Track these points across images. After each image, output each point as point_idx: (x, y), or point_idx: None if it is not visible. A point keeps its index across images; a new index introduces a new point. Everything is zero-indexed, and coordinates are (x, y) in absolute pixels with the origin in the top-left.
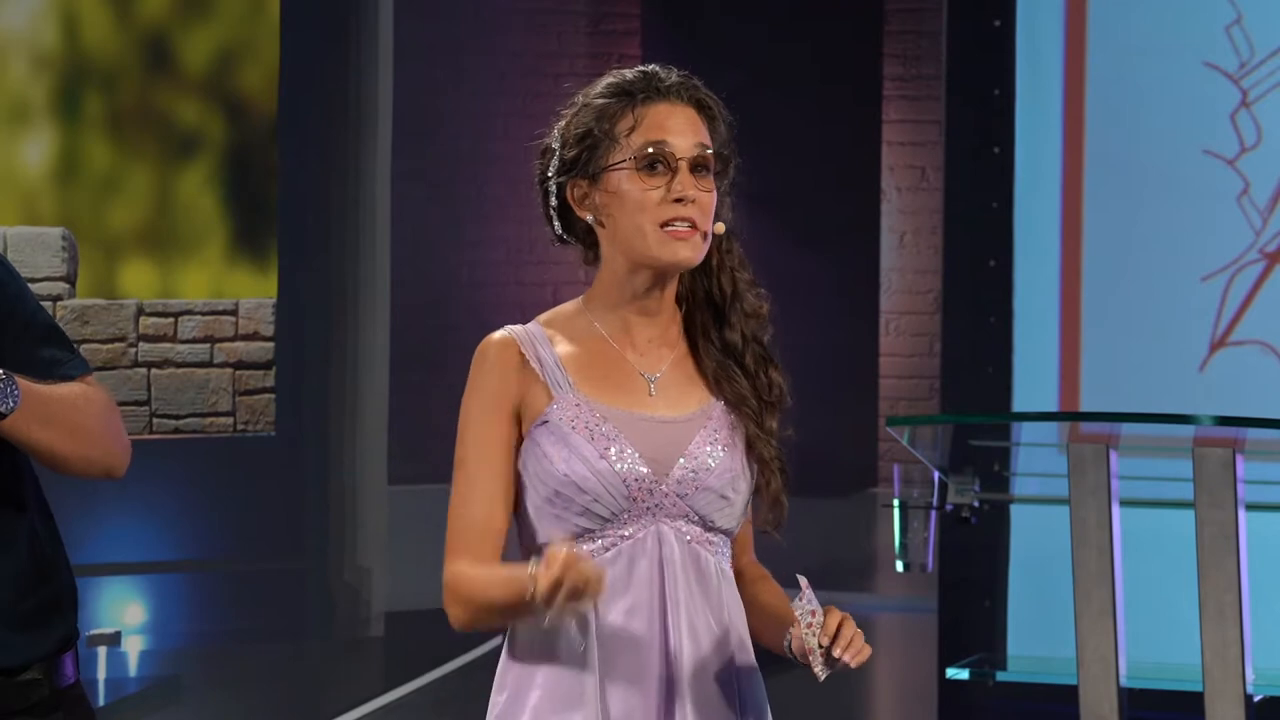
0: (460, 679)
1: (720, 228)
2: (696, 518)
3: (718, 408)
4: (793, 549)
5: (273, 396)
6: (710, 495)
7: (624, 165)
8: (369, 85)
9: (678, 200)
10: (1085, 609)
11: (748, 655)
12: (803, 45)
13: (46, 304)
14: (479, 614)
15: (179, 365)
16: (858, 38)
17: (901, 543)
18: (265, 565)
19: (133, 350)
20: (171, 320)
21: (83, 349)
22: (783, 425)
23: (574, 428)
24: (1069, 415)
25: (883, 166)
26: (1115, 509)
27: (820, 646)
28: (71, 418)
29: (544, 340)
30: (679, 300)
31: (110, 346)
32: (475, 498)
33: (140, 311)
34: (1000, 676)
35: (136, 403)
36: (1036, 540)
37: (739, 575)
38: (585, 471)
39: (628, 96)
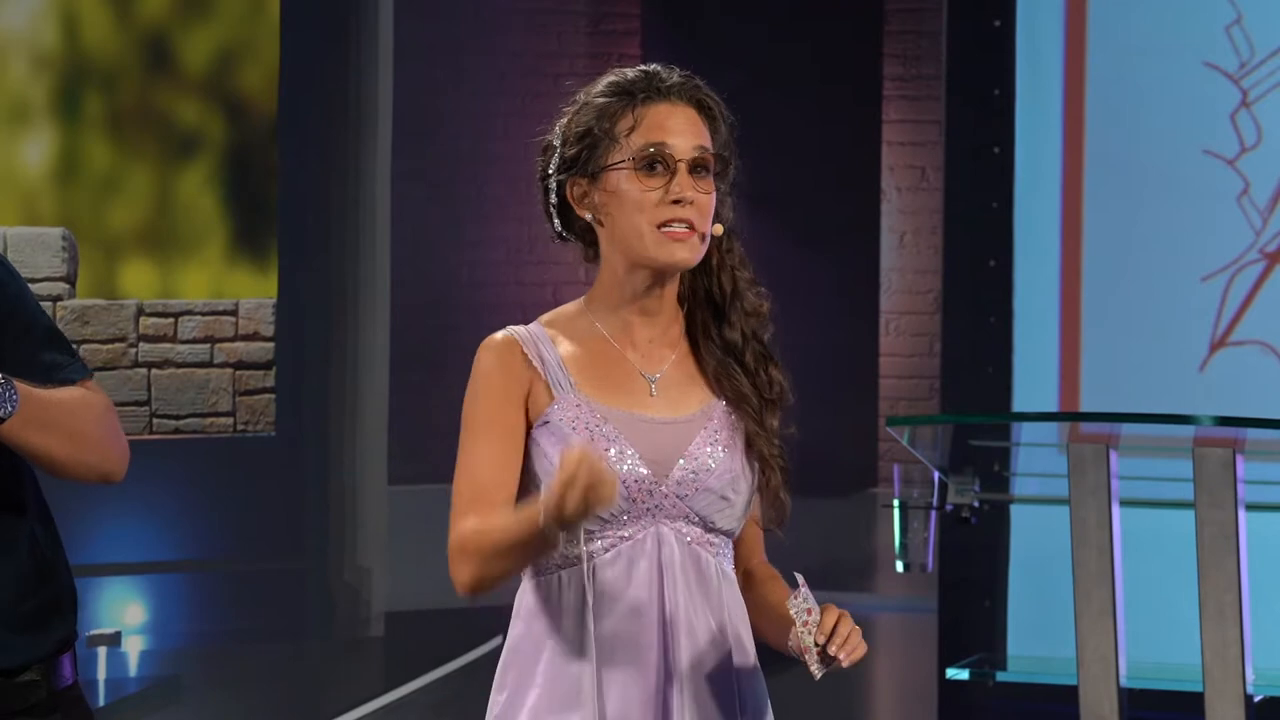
0: (460, 679)
1: (718, 229)
2: (697, 519)
3: (719, 408)
4: (793, 549)
5: (273, 396)
6: (710, 496)
7: (623, 165)
8: (369, 85)
9: (676, 201)
10: (1085, 609)
11: (748, 656)
12: (803, 45)
13: (46, 304)
14: (489, 564)
15: (179, 365)
16: (858, 38)
17: (901, 543)
18: (265, 565)
19: (133, 350)
20: (171, 320)
21: (83, 349)
22: (784, 423)
23: (574, 428)
24: (1069, 415)
25: (883, 166)
26: (1115, 509)
27: (816, 644)
28: (70, 423)
29: (546, 340)
30: (680, 300)
31: (110, 347)
32: (483, 462)
33: (140, 312)
34: (1000, 676)
35: (136, 403)
36: (1036, 540)
37: (748, 576)
38: None
39: (628, 96)
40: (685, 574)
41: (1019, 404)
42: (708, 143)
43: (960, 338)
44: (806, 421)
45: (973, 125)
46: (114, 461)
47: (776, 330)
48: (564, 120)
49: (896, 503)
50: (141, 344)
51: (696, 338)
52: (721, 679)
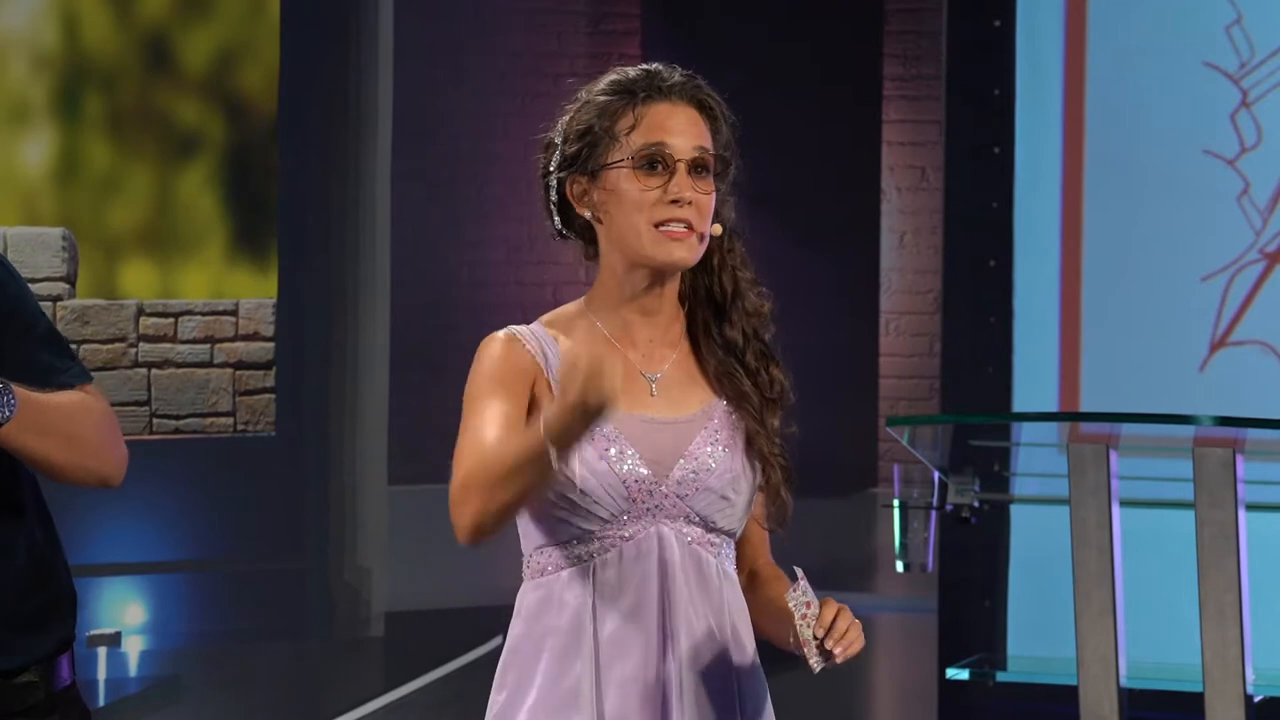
0: (460, 679)
1: (717, 229)
2: (697, 518)
3: (719, 407)
4: (793, 549)
5: (273, 396)
6: (711, 496)
7: (623, 164)
8: (369, 85)
9: (674, 202)
10: (1085, 609)
11: (749, 656)
12: (803, 45)
13: (46, 304)
14: (492, 493)
15: (179, 365)
16: (858, 38)
17: (901, 543)
18: (265, 565)
19: (133, 350)
20: (171, 320)
21: (83, 349)
22: (785, 422)
23: None
24: (1069, 415)
25: (883, 166)
26: (1115, 509)
27: (815, 638)
28: (68, 427)
29: (549, 339)
30: (681, 299)
31: (110, 347)
32: (487, 425)
33: (140, 312)
34: (1000, 676)
35: (137, 403)
36: (1036, 540)
37: (753, 577)
38: (585, 473)
39: (629, 95)
40: (686, 574)
41: (1019, 404)
42: (708, 143)
43: (960, 338)
44: (806, 422)
45: (973, 125)
46: (112, 466)
47: (777, 330)
48: (566, 117)
49: (896, 503)
50: (141, 344)
51: (697, 337)
52: (721, 679)
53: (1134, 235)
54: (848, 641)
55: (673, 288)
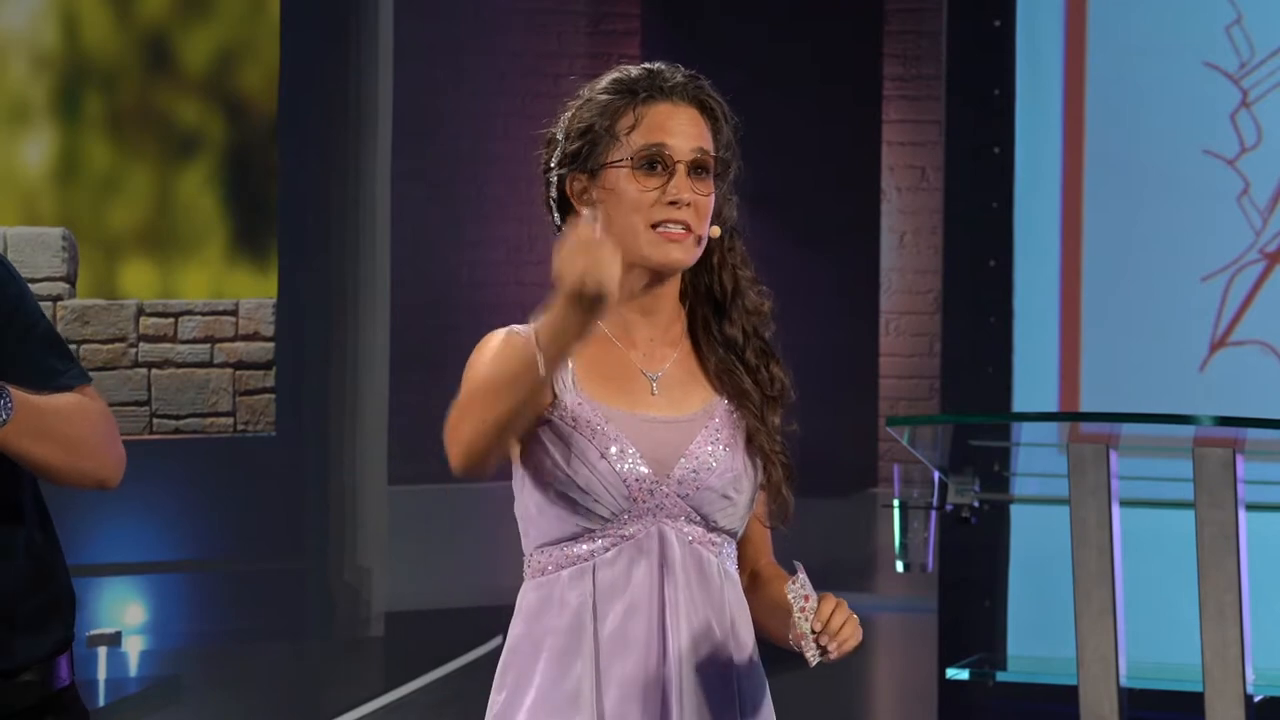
0: (460, 679)
1: (716, 231)
2: (698, 518)
3: (720, 406)
4: (793, 549)
5: (273, 396)
6: (712, 495)
7: (622, 163)
8: (369, 85)
9: (672, 203)
10: (1085, 609)
11: (750, 656)
12: (803, 45)
13: (46, 304)
14: (485, 409)
15: (179, 365)
16: (858, 38)
17: (901, 543)
18: (265, 565)
19: (133, 350)
20: (171, 320)
21: (83, 349)
22: (785, 420)
23: (575, 427)
24: (1069, 415)
25: (883, 166)
26: (1115, 509)
27: (812, 632)
28: (65, 430)
29: None
30: (682, 298)
31: (110, 347)
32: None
33: (140, 312)
34: (1000, 676)
35: (137, 403)
36: (1036, 540)
37: (755, 577)
38: (586, 472)
39: (630, 94)
40: (686, 573)
41: (1019, 404)
42: (708, 144)
43: (960, 338)
44: (806, 421)
45: (973, 125)
46: (110, 469)
47: (777, 330)
48: (568, 114)
49: (896, 503)
50: (141, 344)
51: (698, 336)
52: (721, 678)
53: (1134, 235)
54: (843, 638)
55: (672, 287)
